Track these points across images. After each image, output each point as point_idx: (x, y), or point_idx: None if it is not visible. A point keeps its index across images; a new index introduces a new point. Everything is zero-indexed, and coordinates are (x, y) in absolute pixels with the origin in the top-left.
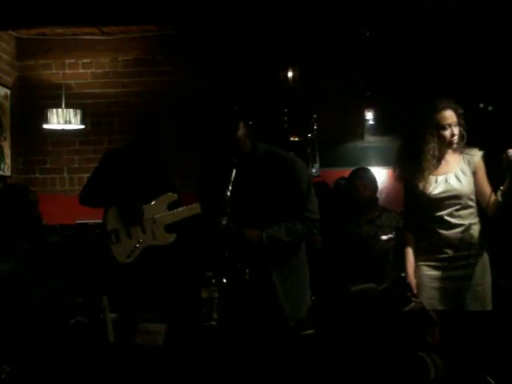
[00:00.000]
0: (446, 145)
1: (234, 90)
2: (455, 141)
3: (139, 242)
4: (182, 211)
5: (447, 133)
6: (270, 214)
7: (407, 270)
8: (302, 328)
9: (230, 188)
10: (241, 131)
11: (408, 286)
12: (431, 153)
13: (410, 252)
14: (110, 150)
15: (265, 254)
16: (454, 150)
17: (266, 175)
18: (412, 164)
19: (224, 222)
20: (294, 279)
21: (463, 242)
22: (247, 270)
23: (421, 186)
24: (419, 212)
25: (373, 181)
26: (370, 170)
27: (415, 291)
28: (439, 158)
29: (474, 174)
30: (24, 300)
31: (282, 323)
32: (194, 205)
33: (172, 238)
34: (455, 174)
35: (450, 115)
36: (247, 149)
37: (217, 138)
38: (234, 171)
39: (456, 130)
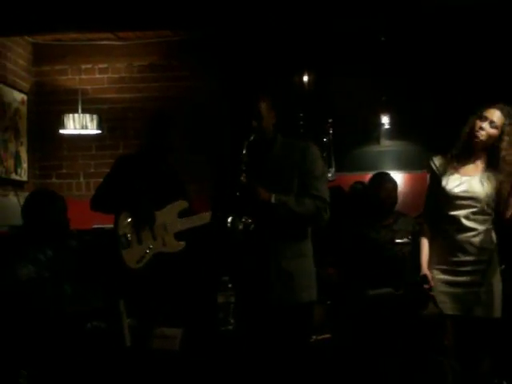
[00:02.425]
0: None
1: (248, 94)
2: (480, 135)
3: (149, 248)
4: (193, 219)
5: (478, 122)
6: (282, 192)
7: (422, 262)
8: (295, 314)
9: (245, 151)
10: (264, 105)
11: (424, 279)
12: (462, 143)
13: (425, 244)
14: (122, 156)
15: (271, 214)
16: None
17: (282, 156)
18: (442, 156)
19: (241, 238)
20: (294, 262)
21: (475, 248)
22: (251, 221)
23: (444, 180)
24: (437, 208)
25: (395, 185)
26: (390, 176)
27: (432, 284)
28: (468, 157)
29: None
30: (41, 305)
31: (265, 298)
32: (205, 213)
33: (181, 245)
34: (480, 178)
35: (493, 113)
36: (268, 125)
37: (239, 117)
38: (253, 136)
39: (488, 128)
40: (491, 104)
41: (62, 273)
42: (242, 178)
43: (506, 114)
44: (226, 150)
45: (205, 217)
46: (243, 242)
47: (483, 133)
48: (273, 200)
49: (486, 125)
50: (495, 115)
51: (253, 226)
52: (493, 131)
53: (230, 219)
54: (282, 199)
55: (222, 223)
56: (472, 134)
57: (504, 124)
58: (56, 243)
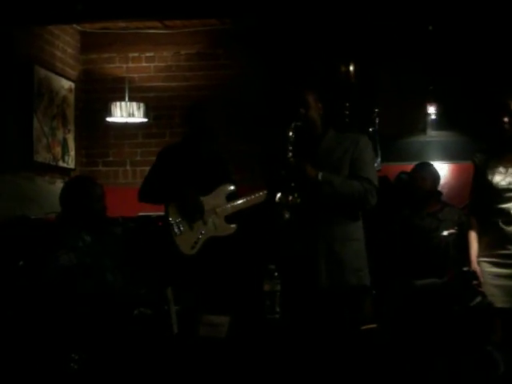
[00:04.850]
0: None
1: (294, 84)
2: (504, 128)
3: (201, 234)
4: (243, 202)
5: (503, 116)
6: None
7: (471, 257)
8: (347, 297)
9: (292, 133)
10: (311, 96)
11: (473, 275)
12: (499, 137)
13: (473, 238)
14: (164, 147)
15: (317, 192)
16: None
17: (333, 145)
18: (484, 151)
19: (287, 216)
20: (344, 244)
21: None
22: (296, 195)
23: (489, 174)
24: (484, 202)
25: (432, 174)
26: (431, 165)
27: (482, 279)
28: (510, 149)
29: None
30: (87, 290)
31: (313, 281)
32: (257, 194)
33: (233, 228)
34: None
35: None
36: (315, 115)
37: (286, 105)
38: (300, 122)
39: (508, 120)
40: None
41: (104, 259)
42: (289, 157)
43: None
44: (273, 136)
45: (260, 196)
46: (290, 221)
47: (506, 126)
48: (319, 177)
49: (506, 118)
50: None
51: (299, 199)
52: None
53: (278, 195)
54: (328, 177)
55: (271, 200)
56: (501, 128)
57: None
58: (95, 230)
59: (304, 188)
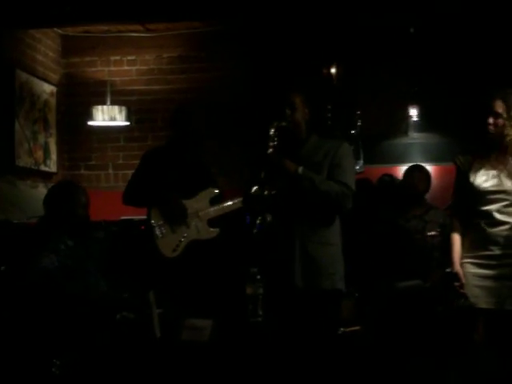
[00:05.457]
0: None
1: (283, 84)
2: (490, 130)
3: (184, 237)
4: (226, 206)
5: (489, 119)
6: None
7: (453, 259)
8: (320, 300)
9: (273, 131)
10: (298, 98)
11: (455, 277)
12: (482, 139)
13: (456, 239)
14: (148, 150)
15: (297, 186)
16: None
17: (314, 150)
18: (467, 153)
19: (269, 219)
20: (319, 248)
21: (508, 240)
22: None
23: (472, 176)
24: (467, 203)
25: (429, 176)
26: (425, 168)
27: (463, 281)
28: (493, 151)
29: None
30: (69, 295)
31: (289, 280)
32: (238, 199)
33: (215, 232)
34: (508, 171)
35: (495, 103)
36: (300, 118)
37: (271, 105)
38: (284, 123)
39: (493, 121)
40: (495, 95)
41: (87, 263)
42: (270, 151)
43: (505, 98)
44: (257, 139)
45: (237, 202)
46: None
47: (491, 127)
48: (300, 171)
49: (491, 119)
50: (497, 105)
51: (274, 191)
52: (499, 121)
53: (254, 188)
54: (308, 173)
55: (247, 192)
56: (486, 130)
57: (508, 108)
58: (77, 234)
59: (282, 182)
